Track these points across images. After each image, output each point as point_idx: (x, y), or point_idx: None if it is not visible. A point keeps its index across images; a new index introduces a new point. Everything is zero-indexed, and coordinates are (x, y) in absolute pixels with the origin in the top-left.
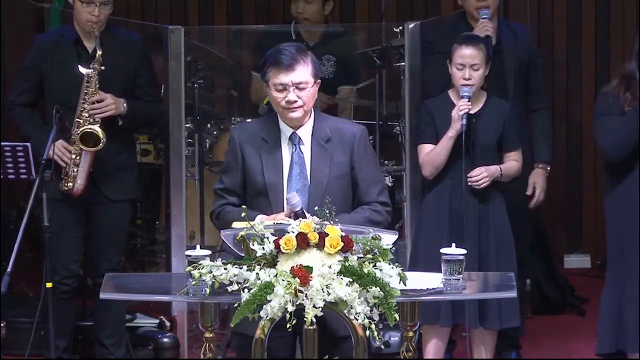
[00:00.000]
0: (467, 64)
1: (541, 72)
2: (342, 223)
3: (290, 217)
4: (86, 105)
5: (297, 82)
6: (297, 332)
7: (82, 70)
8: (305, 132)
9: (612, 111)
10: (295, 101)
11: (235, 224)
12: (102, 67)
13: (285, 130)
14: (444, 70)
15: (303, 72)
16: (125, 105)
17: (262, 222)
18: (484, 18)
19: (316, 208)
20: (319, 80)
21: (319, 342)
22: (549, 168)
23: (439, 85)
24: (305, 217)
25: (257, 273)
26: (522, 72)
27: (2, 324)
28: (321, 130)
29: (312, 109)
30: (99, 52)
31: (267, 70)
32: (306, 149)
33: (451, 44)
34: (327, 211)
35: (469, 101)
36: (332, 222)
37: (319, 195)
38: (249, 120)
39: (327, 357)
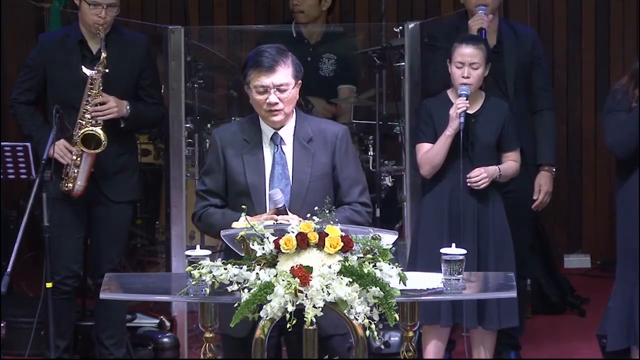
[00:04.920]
0: (467, 63)
1: (544, 73)
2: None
3: (275, 216)
4: (89, 107)
5: (278, 84)
6: (281, 333)
7: (86, 71)
8: (287, 133)
9: (620, 108)
10: (277, 103)
11: (235, 224)
12: (107, 70)
13: (267, 131)
14: (445, 67)
15: (284, 74)
16: (128, 107)
17: (259, 222)
18: (481, 12)
19: (316, 208)
20: (299, 81)
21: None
22: (554, 170)
23: (440, 82)
24: (287, 214)
25: (257, 273)
26: (524, 73)
27: (2, 324)
28: (303, 131)
29: (295, 109)
30: (104, 55)
31: (248, 72)
32: (288, 149)
33: (452, 42)
34: (327, 211)
35: (466, 99)
36: (332, 222)
37: (301, 196)
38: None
39: (327, 357)
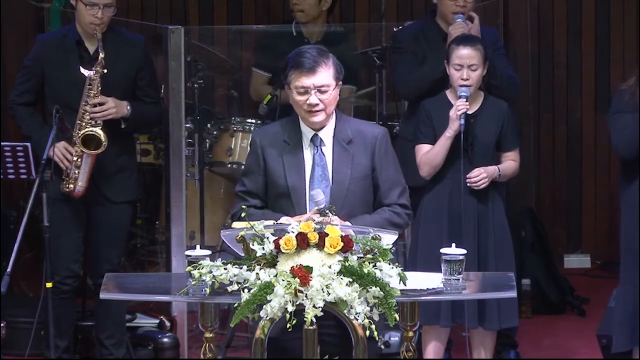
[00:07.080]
0: (465, 65)
1: (501, 64)
2: (362, 224)
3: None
4: (88, 108)
5: (319, 85)
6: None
7: (84, 71)
8: (326, 134)
9: (627, 108)
10: (317, 104)
11: (236, 224)
12: (105, 70)
13: (307, 132)
14: (413, 69)
15: (325, 75)
16: (128, 107)
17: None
18: (459, 21)
19: (316, 208)
20: (340, 83)
21: (339, 343)
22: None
23: (410, 87)
24: (327, 215)
25: (257, 273)
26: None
27: (2, 324)
28: (343, 132)
29: (334, 110)
30: (102, 55)
31: (289, 72)
32: (328, 150)
33: (420, 43)
34: (327, 211)
35: (466, 101)
36: (332, 222)
37: (340, 197)
38: (251, 120)
39: (327, 357)
